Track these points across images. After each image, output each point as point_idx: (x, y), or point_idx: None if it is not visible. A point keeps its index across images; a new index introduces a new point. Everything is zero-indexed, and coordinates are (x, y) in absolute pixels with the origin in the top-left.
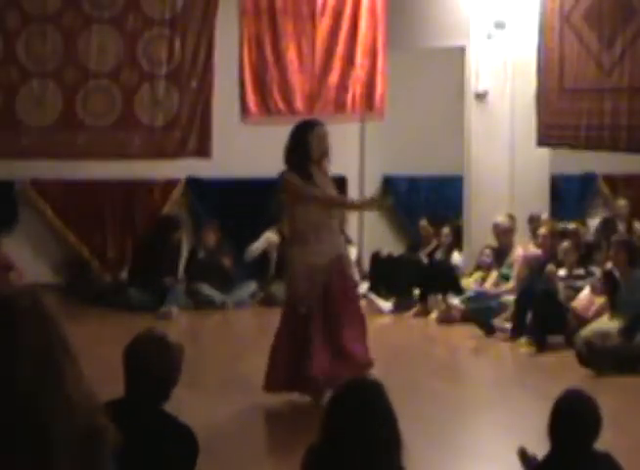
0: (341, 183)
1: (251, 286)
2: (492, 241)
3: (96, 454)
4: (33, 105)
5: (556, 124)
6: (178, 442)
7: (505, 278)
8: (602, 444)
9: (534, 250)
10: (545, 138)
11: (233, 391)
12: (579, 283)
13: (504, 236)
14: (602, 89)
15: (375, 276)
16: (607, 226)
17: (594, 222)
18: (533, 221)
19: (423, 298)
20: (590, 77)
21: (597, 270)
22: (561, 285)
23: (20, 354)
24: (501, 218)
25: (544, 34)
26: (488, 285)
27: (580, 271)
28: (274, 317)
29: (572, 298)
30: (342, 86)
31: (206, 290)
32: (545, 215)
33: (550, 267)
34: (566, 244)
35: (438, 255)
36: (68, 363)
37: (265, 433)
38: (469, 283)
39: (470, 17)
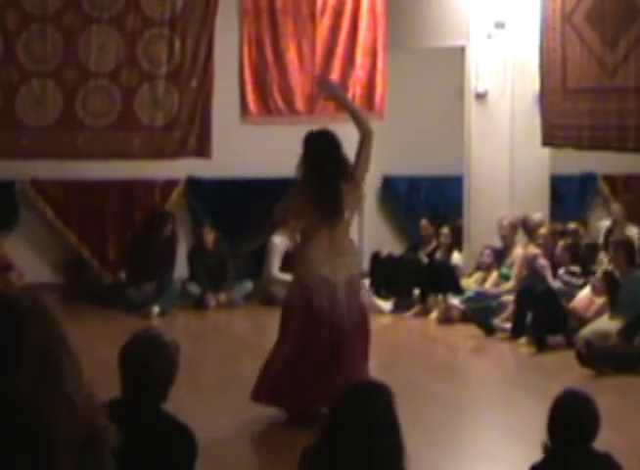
0: None
1: (248, 285)
2: (492, 241)
3: (96, 454)
4: (33, 105)
5: (560, 125)
6: (177, 442)
7: (505, 278)
8: (601, 443)
9: (534, 250)
10: (549, 138)
11: (232, 391)
12: (574, 280)
13: (508, 235)
14: (606, 89)
15: (375, 276)
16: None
17: (601, 224)
18: (528, 222)
19: (423, 298)
20: (593, 78)
21: (598, 268)
22: (556, 283)
23: (20, 355)
24: (506, 218)
25: (545, 34)
26: (488, 285)
27: (576, 268)
28: (273, 317)
29: (570, 295)
30: (343, 86)
31: (200, 289)
32: (538, 216)
33: (540, 260)
34: (561, 242)
35: (438, 255)
36: (69, 363)
37: (264, 433)
38: (469, 283)
39: (470, 17)
